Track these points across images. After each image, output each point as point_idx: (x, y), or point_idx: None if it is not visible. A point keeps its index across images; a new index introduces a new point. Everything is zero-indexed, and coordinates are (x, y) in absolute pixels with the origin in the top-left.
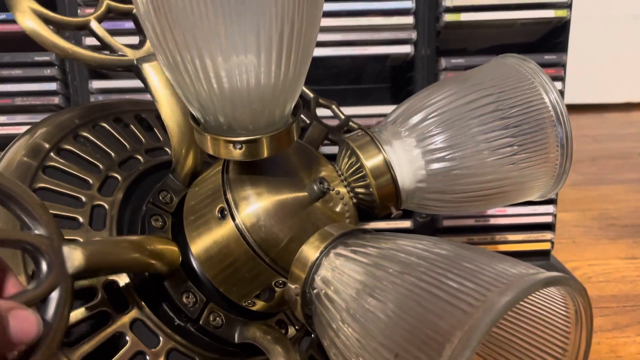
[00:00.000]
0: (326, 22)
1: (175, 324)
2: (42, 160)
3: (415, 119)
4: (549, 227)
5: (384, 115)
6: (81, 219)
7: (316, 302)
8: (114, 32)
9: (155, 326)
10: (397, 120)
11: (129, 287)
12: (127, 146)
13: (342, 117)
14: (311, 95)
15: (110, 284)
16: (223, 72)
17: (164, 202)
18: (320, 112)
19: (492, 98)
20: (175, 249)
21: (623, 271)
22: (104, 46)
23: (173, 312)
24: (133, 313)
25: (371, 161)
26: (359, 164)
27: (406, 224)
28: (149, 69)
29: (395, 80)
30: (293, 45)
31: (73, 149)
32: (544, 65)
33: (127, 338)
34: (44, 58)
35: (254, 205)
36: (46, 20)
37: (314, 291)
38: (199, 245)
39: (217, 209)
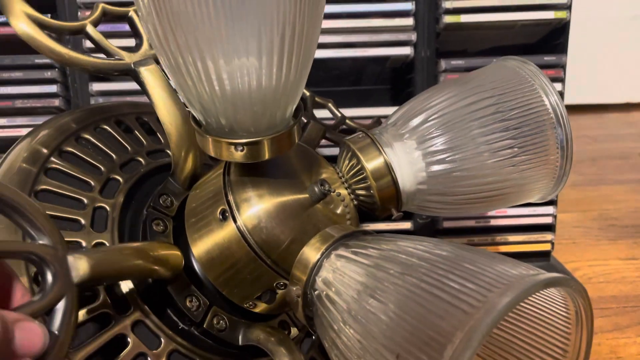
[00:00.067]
0: (326, 24)
1: (179, 327)
2: (44, 162)
3: (416, 121)
4: (549, 228)
5: (384, 117)
6: (83, 221)
7: (317, 303)
8: (113, 35)
9: (157, 328)
10: (397, 122)
11: (132, 290)
12: (129, 148)
13: (339, 115)
14: (307, 94)
15: (112, 286)
16: (225, 75)
17: (165, 205)
18: (318, 113)
19: (492, 100)
20: (178, 253)
21: (623, 272)
22: (100, 50)
23: (177, 316)
24: (134, 315)
25: (372, 163)
26: (359, 166)
27: (406, 225)
28: (146, 73)
29: (395, 82)
30: (294, 48)
31: (75, 151)
32: (543, 66)
33: (129, 340)
34: (44, 60)
35: (255, 207)
36: (41, 25)
37: (315, 292)
38: (201, 247)
39: (219, 210)
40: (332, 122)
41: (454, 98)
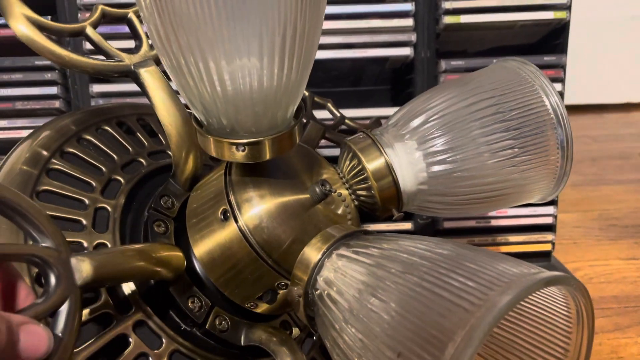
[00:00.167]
0: (326, 24)
1: (181, 328)
2: (45, 164)
3: (417, 121)
4: (549, 228)
5: (384, 118)
6: (84, 221)
7: (319, 303)
8: (112, 36)
9: (159, 328)
10: (398, 123)
11: (134, 291)
12: (130, 149)
13: (338, 115)
14: (306, 94)
15: (114, 287)
16: (226, 75)
17: (166, 207)
18: (317, 113)
19: (492, 101)
20: (180, 254)
21: (624, 272)
22: (100, 52)
23: (179, 317)
24: (136, 315)
25: (373, 164)
26: (360, 167)
27: (407, 225)
28: (146, 74)
29: (395, 83)
30: (295, 49)
31: (76, 152)
32: (543, 66)
33: (130, 340)
34: (45, 62)
35: (257, 207)
36: (41, 27)
37: (317, 292)
38: (202, 247)
39: (220, 211)
40: (331, 122)
41: (455, 99)
